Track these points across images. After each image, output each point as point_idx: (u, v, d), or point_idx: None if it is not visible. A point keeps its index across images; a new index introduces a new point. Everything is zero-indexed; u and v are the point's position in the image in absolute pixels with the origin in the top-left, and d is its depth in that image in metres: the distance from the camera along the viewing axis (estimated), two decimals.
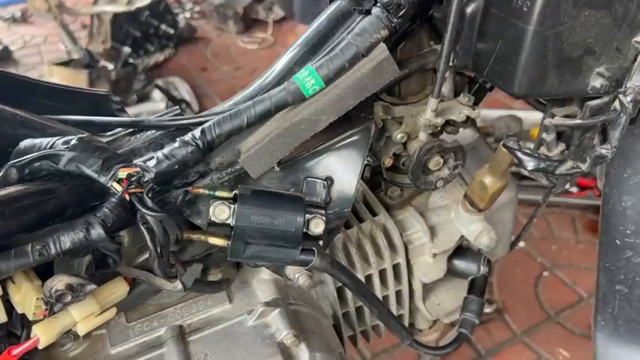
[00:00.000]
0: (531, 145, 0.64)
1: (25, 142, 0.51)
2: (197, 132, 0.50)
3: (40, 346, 0.51)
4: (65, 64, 2.60)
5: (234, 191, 0.51)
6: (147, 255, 0.56)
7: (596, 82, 0.53)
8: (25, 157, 0.48)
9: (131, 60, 2.83)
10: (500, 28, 0.51)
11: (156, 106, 2.63)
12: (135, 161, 0.50)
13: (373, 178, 0.80)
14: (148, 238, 0.48)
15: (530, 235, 1.69)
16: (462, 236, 0.76)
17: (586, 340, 1.38)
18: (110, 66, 2.65)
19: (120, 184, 0.47)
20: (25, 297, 0.49)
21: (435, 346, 0.74)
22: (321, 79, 0.50)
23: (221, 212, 0.49)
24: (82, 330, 0.53)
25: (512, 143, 0.62)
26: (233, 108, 0.52)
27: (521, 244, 1.64)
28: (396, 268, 0.74)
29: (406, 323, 0.80)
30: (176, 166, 0.49)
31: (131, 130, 0.59)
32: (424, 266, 0.76)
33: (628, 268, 0.65)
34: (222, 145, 0.52)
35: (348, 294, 0.73)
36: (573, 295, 1.52)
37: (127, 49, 2.80)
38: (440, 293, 0.83)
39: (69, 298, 0.49)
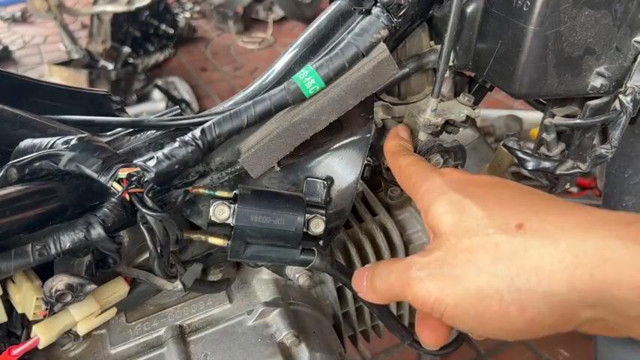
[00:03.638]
0: (531, 145, 0.64)
1: (25, 142, 0.50)
2: (197, 132, 0.50)
3: (40, 346, 0.51)
4: (65, 64, 2.61)
5: (235, 191, 0.51)
6: (147, 255, 0.56)
7: (596, 82, 0.53)
8: (25, 157, 0.48)
9: (131, 60, 2.84)
10: (500, 28, 0.51)
11: (156, 106, 2.64)
12: (135, 161, 0.50)
13: (373, 178, 0.80)
14: (148, 238, 0.48)
15: None
16: None
17: (587, 340, 1.36)
18: (110, 66, 2.65)
19: (120, 184, 0.47)
20: (25, 297, 0.49)
21: None
22: (322, 79, 0.50)
23: (221, 212, 0.49)
24: (82, 330, 0.53)
25: (512, 143, 0.62)
26: (233, 108, 0.52)
27: None
28: None
29: (406, 323, 0.80)
30: (176, 166, 0.49)
31: (131, 130, 0.59)
32: None
33: None
34: (222, 145, 0.52)
35: (348, 294, 0.73)
36: None
37: (127, 49, 2.81)
38: None
39: (69, 298, 0.49)
